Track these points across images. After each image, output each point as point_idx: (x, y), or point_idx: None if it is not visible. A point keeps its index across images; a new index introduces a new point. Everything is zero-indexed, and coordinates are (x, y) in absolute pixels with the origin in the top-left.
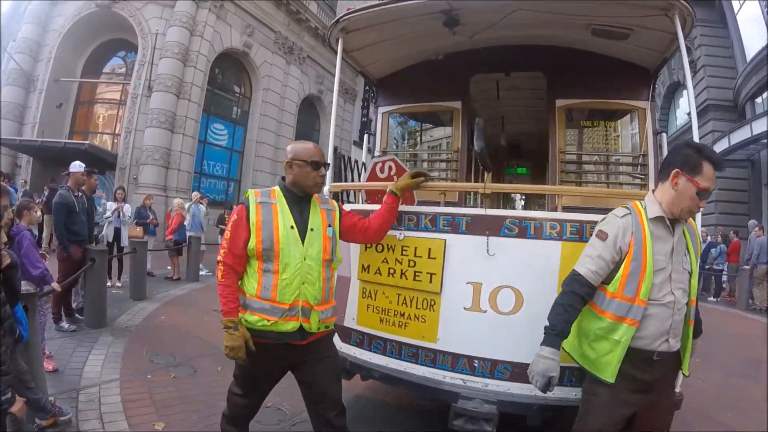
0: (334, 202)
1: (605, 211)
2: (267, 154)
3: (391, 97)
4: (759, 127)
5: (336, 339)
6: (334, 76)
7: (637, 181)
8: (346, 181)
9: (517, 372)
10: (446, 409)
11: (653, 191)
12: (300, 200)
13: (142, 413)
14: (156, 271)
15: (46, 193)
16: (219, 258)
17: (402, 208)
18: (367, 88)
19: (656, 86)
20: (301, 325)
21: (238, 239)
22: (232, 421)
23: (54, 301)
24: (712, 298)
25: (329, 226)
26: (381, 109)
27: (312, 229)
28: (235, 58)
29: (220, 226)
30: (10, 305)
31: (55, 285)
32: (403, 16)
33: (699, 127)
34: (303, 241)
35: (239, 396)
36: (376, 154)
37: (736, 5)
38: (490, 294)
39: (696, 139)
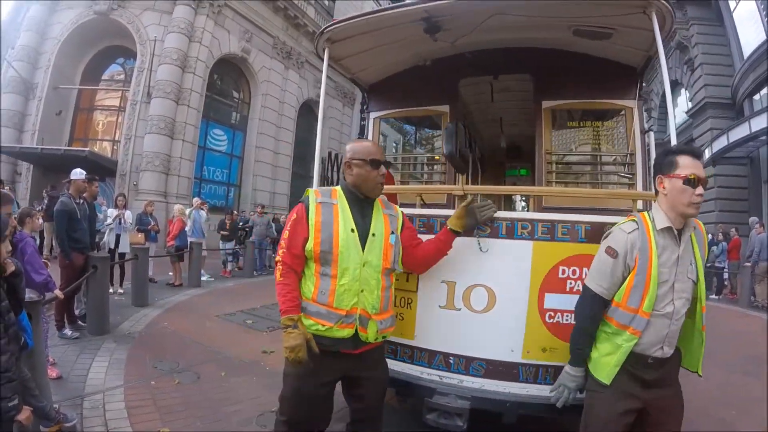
0: (398, 209)
1: (588, 211)
2: (267, 159)
3: (381, 102)
4: (757, 124)
5: None
6: (333, 80)
7: (625, 180)
8: (331, 182)
9: (491, 369)
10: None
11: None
12: (362, 203)
13: (147, 419)
14: (157, 277)
15: (46, 201)
16: (278, 258)
17: None
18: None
19: (650, 85)
20: (356, 333)
21: (297, 238)
22: None
23: (57, 308)
24: (714, 296)
25: (392, 233)
26: (372, 115)
27: (374, 234)
28: (234, 63)
29: (221, 232)
30: (15, 313)
31: (57, 292)
32: (385, 25)
33: (697, 126)
34: (363, 247)
35: (285, 422)
36: None
37: (732, 3)
38: (463, 292)
39: (674, 139)
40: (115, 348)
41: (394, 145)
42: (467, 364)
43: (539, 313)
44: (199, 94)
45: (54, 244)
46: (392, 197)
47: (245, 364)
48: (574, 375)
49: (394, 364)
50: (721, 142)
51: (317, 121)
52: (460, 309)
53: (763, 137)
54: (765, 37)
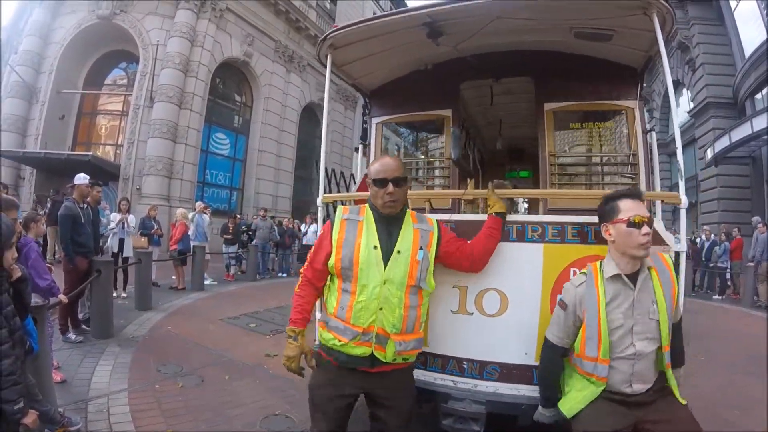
0: (434, 221)
1: (592, 212)
2: (269, 163)
3: (383, 107)
4: (759, 123)
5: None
6: (335, 84)
7: (628, 180)
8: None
9: (505, 372)
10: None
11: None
12: (388, 219)
13: (151, 423)
14: (161, 281)
15: (49, 205)
16: (301, 270)
17: None
18: None
19: (651, 86)
20: (372, 353)
21: (319, 254)
22: None
23: (61, 312)
24: (716, 296)
25: (420, 248)
26: (374, 120)
27: (398, 252)
28: (236, 67)
29: (224, 235)
30: (20, 318)
31: (62, 296)
32: (387, 31)
33: (699, 126)
34: (386, 264)
35: None
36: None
37: (733, 3)
38: (476, 297)
39: (678, 139)
40: (119, 352)
41: (396, 148)
42: (481, 369)
43: (552, 314)
44: (201, 98)
45: (57, 248)
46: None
47: (248, 368)
48: (548, 415)
49: None
50: (723, 142)
51: (320, 124)
52: (472, 313)
53: (765, 137)
54: (766, 36)
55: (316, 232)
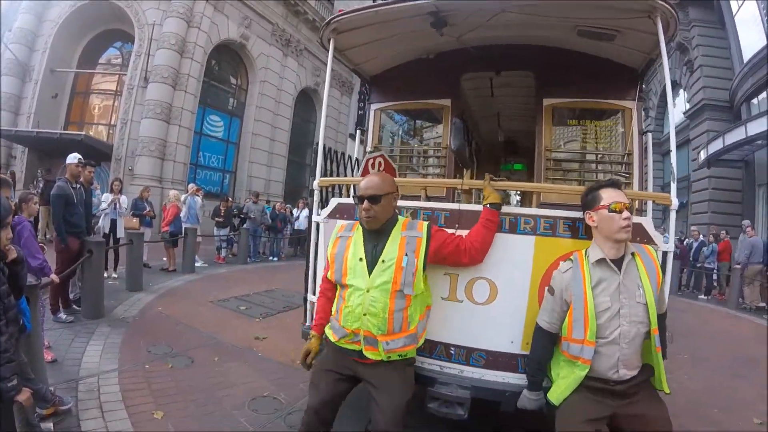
0: (424, 227)
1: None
2: (263, 146)
3: (383, 94)
4: (754, 128)
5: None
6: (332, 69)
7: (621, 179)
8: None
9: (491, 360)
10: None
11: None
12: (377, 232)
13: (141, 402)
14: (151, 262)
15: (41, 185)
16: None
17: None
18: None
19: (650, 86)
20: (362, 351)
21: (325, 270)
22: None
23: (52, 292)
24: (702, 296)
25: (406, 255)
26: (373, 106)
27: (383, 261)
28: (232, 49)
29: (216, 218)
30: (15, 297)
31: (53, 276)
32: (392, 18)
33: (694, 127)
34: (370, 273)
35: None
36: (368, 149)
37: (734, 6)
38: (466, 284)
39: (673, 141)
40: (109, 332)
41: (392, 136)
42: (468, 355)
43: (539, 306)
44: (196, 80)
45: (49, 228)
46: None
47: (238, 350)
48: (533, 399)
49: None
50: (717, 145)
51: (315, 109)
52: (462, 301)
53: (759, 141)
54: (766, 42)
55: (309, 217)
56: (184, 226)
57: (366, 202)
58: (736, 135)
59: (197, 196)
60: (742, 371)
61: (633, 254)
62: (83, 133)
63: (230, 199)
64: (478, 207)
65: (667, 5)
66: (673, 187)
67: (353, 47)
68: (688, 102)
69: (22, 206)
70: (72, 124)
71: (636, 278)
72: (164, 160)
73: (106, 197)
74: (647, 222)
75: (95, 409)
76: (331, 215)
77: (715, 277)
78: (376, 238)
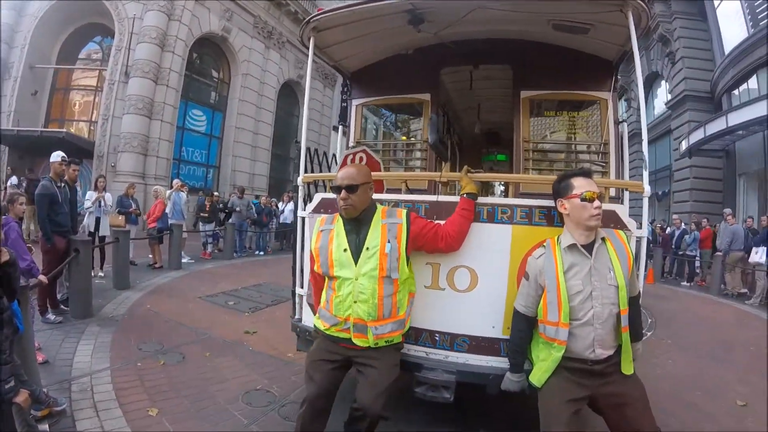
0: (403, 214)
1: None
2: (246, 140)
3: (364, 90)
4: (735, 118)
5: (308, 314)
6: (315, 62)
7: (599, 168)
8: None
9: (474, 345)
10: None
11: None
12: (356, 221)
13: (136, 400)
14: (137, 259)
15: (25, 184)
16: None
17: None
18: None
19: (630, 76)
20: (351, 339)
21: (311, 263)
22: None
23: (39, 293)
24: (685, 283)
25: (388, 241)
26: (354, 102)
27: (368, 248)
28: (214, 42)
29: (200, 213)
30: (8, 300)
31: (42, 277)
32: (370, 16)
33: (675, 117)
34: (356, 262)
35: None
36: (351, 144)
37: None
38: (447, 273)
39: (644, 135)
40: (99, 331)
41: (375, 130)
42: (452, 341)
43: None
44: (178, 74)
45: (34, 228)
46: (379, 183)
47: (229, 345)
48: (515, 381)
49: None
50: (698, 135)
51: (298, 102)
52: (444, 289)
53: (740, 132)
54: (747, 34)
55: (294, 210)
56: (170, 222)
57: (343, 191)
58: (717, 125)
59: (182, 191)
60: (724, 355)
61: (603, 239)
62: (64, 130)
63: (216, 194)
64: (456, 198)
65: None
66: (645, 174)
67: (333, 45)
68: (670, 93)
69: (8, 207)
70: (53, 121)
71: (607, 262)
72: (147, 156)
73: (90, 195)
74: (621, 209)
75: (89, 408)
76: (316, 210)
77: (697, 264)
78: (357, 227)
